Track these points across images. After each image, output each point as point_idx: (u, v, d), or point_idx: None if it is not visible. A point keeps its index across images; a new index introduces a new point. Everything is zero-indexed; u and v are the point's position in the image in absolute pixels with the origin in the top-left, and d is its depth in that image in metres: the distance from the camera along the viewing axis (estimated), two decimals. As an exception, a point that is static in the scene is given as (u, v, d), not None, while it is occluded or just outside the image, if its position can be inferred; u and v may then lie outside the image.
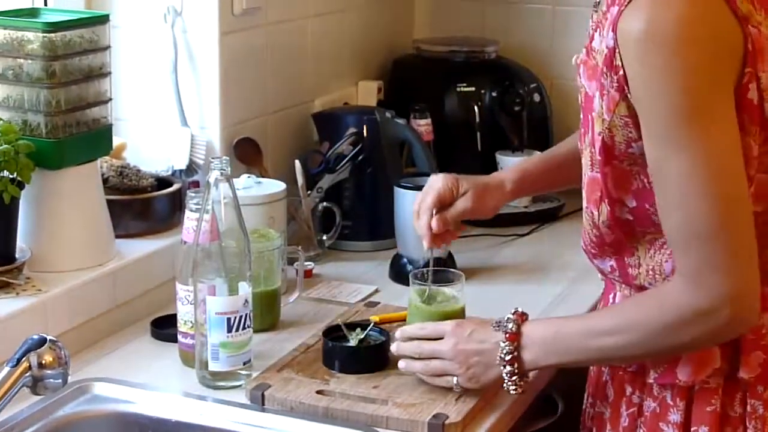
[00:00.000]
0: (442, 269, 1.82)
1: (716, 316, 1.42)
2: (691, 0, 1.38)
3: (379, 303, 2.01)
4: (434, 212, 1.80)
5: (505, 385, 1.56)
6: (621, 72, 1.42)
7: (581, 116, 1.58)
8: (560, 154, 1.92)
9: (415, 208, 1.84)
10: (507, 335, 1.54)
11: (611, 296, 1.66)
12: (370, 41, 2.71)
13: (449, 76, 2.58)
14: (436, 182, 1.84)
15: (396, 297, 2.04)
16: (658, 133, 1.40)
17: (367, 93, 2.61)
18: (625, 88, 1.42)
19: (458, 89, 2.55)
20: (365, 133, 2.31)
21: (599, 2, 1.55)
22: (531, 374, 1.58)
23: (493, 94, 2.54)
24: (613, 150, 1.48)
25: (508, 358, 1.54)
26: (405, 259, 2.16)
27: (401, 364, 1.65)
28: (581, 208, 1.64)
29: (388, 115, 2.37)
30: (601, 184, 1.52)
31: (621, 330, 1.50)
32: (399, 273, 2.15)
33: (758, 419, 1.53)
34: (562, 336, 1.56)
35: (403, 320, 1.81)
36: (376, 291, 2.10)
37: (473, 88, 2.55)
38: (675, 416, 1.56)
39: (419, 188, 2.11)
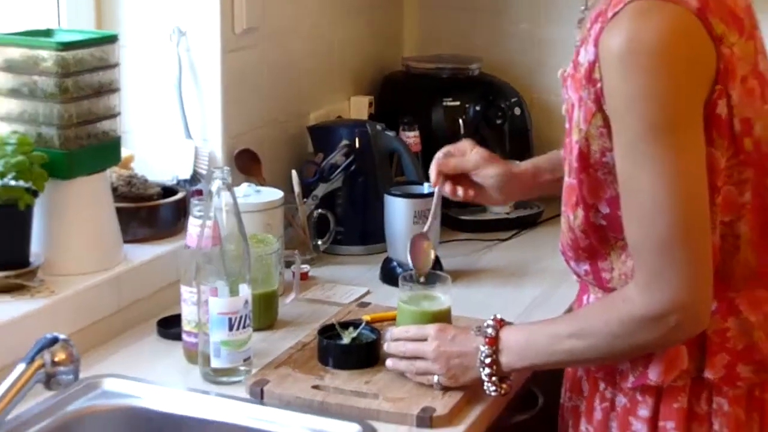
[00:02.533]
0: (430, 272, 1.82)
1: (665, 322, 1.43)
2: (670, 20, 1.37)
3: (370, 303, 2.01)
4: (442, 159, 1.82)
5: (485, 386, 1.57)
6: (599, 85, 1.42)
7: (567, 126, 1.57)
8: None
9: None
10: (486, 340, 1.56)
11: (585, 297, 1.67)
12: (361, 59, 2.72)
13: (436, 92, 2.59)
14: (461, 142, 1.86)
15: (386, 298, 2.05)
16: (628, 145, 1.41)
17: (359, 107, 2.62)
18: (602, 99, 1.42)
19: (444, 103, 2.56)
20: (357, 145, 2.31)
21: (583, 19, 1.55)
22: (512, 377, 1.59)
23: (477, 108, 2.55)
24: (589, 158, 1.48)
25: (487, 361, 1.55)
26: (395, 263, 2.16)
27: (388, 362, 1.66)
28: (559, 214, 1.64)
29: (378, 127, 2.37)
30: (577, 190, 1.52)
31: (583, 334, 1.52)
32: (389, 275, 2.15)
33: (724, 416, 1.53)
34: (533, 341, 1.57)
35: (393, 320, 1.81)
36: (368, 292, 2.10)
37: (458, 103, 2.56)
38: (644, 411, 1.56)
39: (408, 196, 2.14)
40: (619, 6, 1.39)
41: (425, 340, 1.62)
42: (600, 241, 1.55)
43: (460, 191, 1.82)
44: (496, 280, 2.19)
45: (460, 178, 1.82)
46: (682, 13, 1.37)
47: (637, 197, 1.42)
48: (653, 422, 1.56)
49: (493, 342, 1.56)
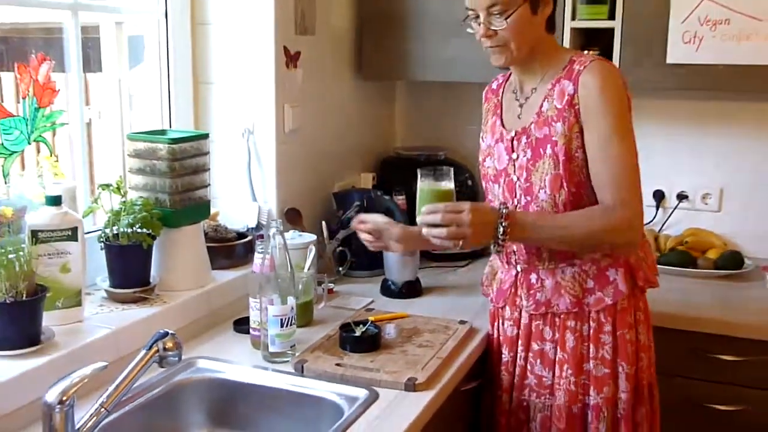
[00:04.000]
0: (438, 168, 1.70)
1: (628, 228, 1.58)
2: (616, 71, 1.63)
3: (373, 309, 2.00)
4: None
5: (492, 247, 1.59)
6: (577, 107, 1.60)
7: (527, 157, 1.66)
8: None
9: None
10: (504, 216, 1.54)
11: (534, 276, 1.72)
12: (367, 148, 2.72)
13: (416, 170, 2.58)
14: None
15: (384, 305, 2.04)
16: (603, 136, 1.58)
17: (366, 180, 2.62)
18: (579, 115, 1.60)
19: (422, 177, 2.56)
20: (365, 204, 2.31)
21: (529, 96, 1.69)
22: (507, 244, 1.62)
23: (443, 180, 2.55)
24: (570, 153, 1.61)
25: (506, 230, 1.54)
26: (389, 282, 2.15)
27: (424, 230, 1.55)
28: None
29: (378, 193, 2.38)
30: (562, 177, 1.61)
31: (572, 228, 1.59)
32: (386, 290, 2.14)
33: (641, 322, 1.70)
34: (537, 221, 1.61)
35: (389, 320, 1.81)
36: (372, 301, 2.08)
37: (431, 177, 2.56)
38: (608, 327, 1.66)
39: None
40: (586, 63, 1.61)
41: (461, 212, 1.51)
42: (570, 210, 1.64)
43: (370, 237, 1.81)
44: (457, 292, 2.18)
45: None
46: (616, 68, 1.65)
47: (612, 163, 1.58)
48: (614, 332, 1.66)
49: (509, 218, 1.54)
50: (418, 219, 1.56)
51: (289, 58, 2.18)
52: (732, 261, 2.35)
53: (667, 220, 2.56)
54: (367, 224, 1.81)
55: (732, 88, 2.17)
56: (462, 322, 1.87)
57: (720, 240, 2.49)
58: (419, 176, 1.67)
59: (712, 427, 2.04)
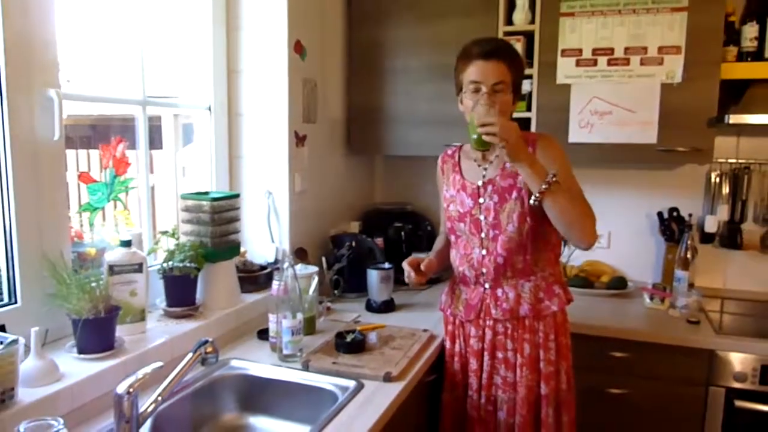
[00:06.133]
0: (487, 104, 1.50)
1: (594, 224, 1.53)
2: (556, 139, 1.62)
3: (360, 321, 2.00)
4: (409, 263, 1.71)
5: (542, 188, 1.46)
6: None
7: (493, 201, 1.63)
8: (438, 250, 1.93)
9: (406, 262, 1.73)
10: (553, 174, 1.47)
11: (500, 291, 1.67)
12: (354, 203, 2.73)
13: (391, 219, 2.60)
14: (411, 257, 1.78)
15: (368, 318, 2.02)
16: (561, 174, 1.52)
17: (354, 227, 2.62)
18: None
19: (394, 225, 2.56)
20: (353, 245, 2.32)
21: (493, 160, 1.67)
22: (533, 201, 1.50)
23: (410, 227, 2.55)
24: (529, 196, 1.55)
25: (555, 176, 1.48)
26: (372, 301, 2.14)
27: (481, 129, 1.43)
28: (447, 278, 1.65)
29: (363, 236, 2.38)
30: (526, 213, 1.59)
31: (582, 199, 1.55)
32: (369, 307, 2.13)
33: (569, 330, 1.69)
34: (570, 189, 1.53)
35: (371, 330, 1.80)
36: (359, 316, 2.07)
37: (401, 224, 2.56)
38: (552, 336, 1.63)
39: (377, 269, 2.13)
40: (535, 134, 1.61)
41: (511, 123, 1.44)
42: (530, 240, 1.61)
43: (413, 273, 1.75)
44: (421, 308, 2.17)
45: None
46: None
47: (569, 187, 1.53)
48: (556, 339, 1.64)
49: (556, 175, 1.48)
50: (478, 121, 1.43)
51: (298, 140, 2.21)
52: (619, 283, 2.40)
53: (571, 254, 2.61)
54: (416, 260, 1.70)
55: (616, 161, 2.23)
56: (425, 330, 1.87)
57: (610, 268, 2.54)
58: (472, 104, 1.52)
59: (607, 405, 2.06)
